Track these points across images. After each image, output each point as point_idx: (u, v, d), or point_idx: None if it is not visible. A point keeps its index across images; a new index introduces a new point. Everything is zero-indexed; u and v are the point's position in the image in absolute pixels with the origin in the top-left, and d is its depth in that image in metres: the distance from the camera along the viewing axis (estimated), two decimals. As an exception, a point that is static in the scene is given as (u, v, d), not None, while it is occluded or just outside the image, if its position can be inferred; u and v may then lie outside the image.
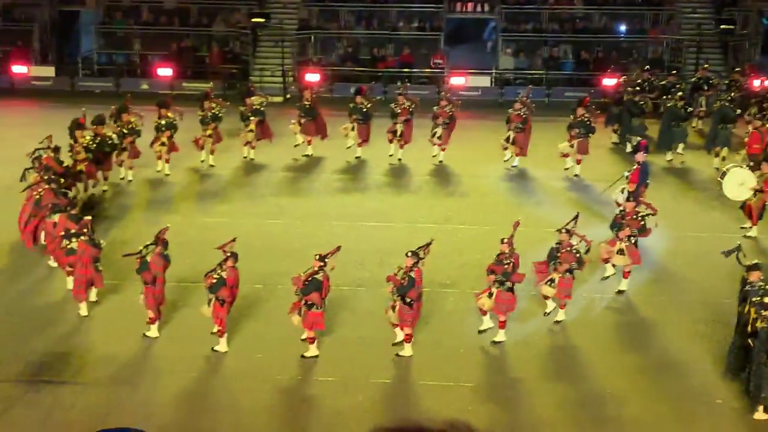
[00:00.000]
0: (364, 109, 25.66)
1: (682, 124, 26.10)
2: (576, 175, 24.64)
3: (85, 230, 16.95)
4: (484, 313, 16.53)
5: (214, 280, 15.60)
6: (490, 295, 16.16)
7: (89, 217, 17.56)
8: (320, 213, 22.21)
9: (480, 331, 16.57)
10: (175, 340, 16.37)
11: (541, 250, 17.65)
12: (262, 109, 25.61)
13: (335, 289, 16.38)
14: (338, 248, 16.03)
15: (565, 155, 24.68)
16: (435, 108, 25.58)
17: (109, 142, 22.95)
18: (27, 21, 36.96)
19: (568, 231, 16.81)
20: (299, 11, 36.96)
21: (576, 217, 17.31)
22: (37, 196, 19.03)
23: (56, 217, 18.18)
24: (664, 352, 16.29)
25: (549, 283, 16.84)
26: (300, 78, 33.39)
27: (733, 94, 27.16)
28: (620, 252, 17.87)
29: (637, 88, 27.79)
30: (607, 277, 18.44)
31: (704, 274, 19.16)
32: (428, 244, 16.11)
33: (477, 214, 22.15)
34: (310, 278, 15.42)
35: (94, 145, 22.30)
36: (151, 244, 16.26)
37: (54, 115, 27.95)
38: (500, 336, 16.37)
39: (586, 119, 24.24)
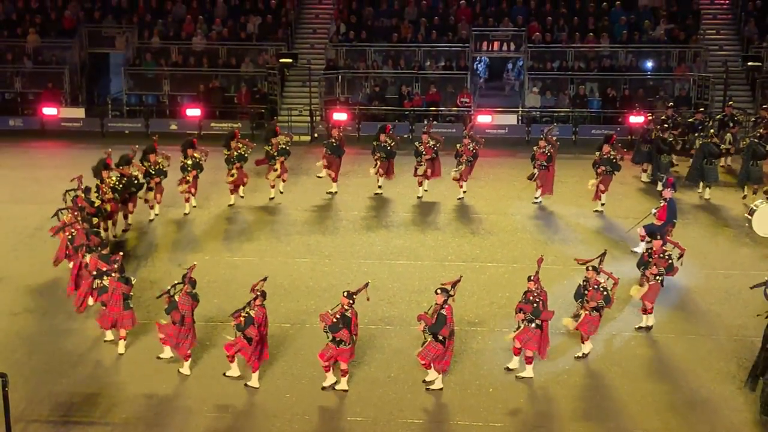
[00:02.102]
0: (389, 147, 25.83)
1: (715, 162, 26.01)
2: (596, 211, 24.63)
3: (116, 266, 17.06)
4: (517, 352, 16.45)
5: (243, 319, 15.66)
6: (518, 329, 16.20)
7: (121, 254, 17.66)
8: (347, 251, 22.25)
9: (507, 369, 16.52)
10: (203, 379, 16.39)
11: (568, 288, 17.61)
12: (287, 148, 25.77)
13: (363, 327, 16.36)
14: (366, 284, 16.06)
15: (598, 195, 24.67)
16: (458, 146, 25.69)
17: (135, 182, 23.15)
18: (57, 63, 37.48)
19: (595, 268, 16.74)
20: (327, 51, 37.27)
21: (603, 255, 17.22)
22: (70, 236, 19.24)
23: (88, 257, 18.33)
24: (695, 390, 16.12)
25: (574, 318, 16.79)
26: (327, 117, 33.61)
27: (762, 130, 27.04)
28: (640, 284, 17.85)
29: (665, 125, 27.74)
30: (641, 327, 18.25)
31: (734, 312, 19.00)
32: (457, 281, 16.09)
33: (505, 252, 22.12)
34: (339, 315, 15.46)
35: (121, 186, 22.50)
36: (179, 283, 16.35)
37: (84, 155, 28.20)
38: (528, 372, 16.31)
39: (611, 156, 24.20)
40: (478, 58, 39.60)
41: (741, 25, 36.89)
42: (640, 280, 18.17)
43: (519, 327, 16.21)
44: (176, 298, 16.21)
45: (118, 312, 17.02)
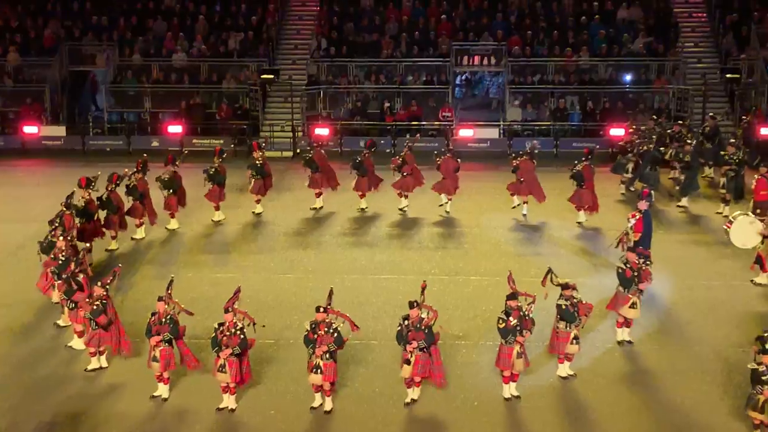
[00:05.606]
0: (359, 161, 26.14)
1: (658, 168, 26.91)
2: (578, 222, 24.88)
3: (109, 282, 17.10)
4: (507, 380, 16.14)
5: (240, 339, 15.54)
6: (519, 355, 15.92)
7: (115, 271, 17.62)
8: (331, 266, 22.23)
9: (507, 399, 16.18)
10: (186, 397, 16.29)
11: (550, 300, 17.50)
12: (257, 164, 25.78)
13: (347, 342, 16.30)
14: (330, 291, 16.05)
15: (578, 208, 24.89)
16: (438, 160, 25.83)
17: (111, 204, 22.85)
18: (38, 81, 37.40)
19: (567, 285, 16.57)
20: (308, 67, 37.36)
21: (549, 272, 17.01)
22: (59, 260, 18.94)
23: (81, 277, 18.14)
24: (679, 404, 16.07)
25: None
26: (309, 132, 33.67)
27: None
28: (633, 306, 17.76)
29: (653, 137, 28.10)
30: (623, 342, 18.24)
31: (717, 323, 19.06)
32: (423, 290, 16.03)
33: (488, 265, 22.14)
34: (336, 333, 15.38)
35: (84, 208, 22.06)
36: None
37: (65, 174, 28.19)
38: (512, 390, 16.23)
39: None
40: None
41: (719, 38, 37.23)
42: (622, 300, 17.93)
43: (517, 353, 15.83)
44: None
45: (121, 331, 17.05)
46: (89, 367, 17.13)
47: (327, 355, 15.36)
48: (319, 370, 15.35)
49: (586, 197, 24.63)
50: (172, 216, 24.65)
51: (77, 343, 17.90)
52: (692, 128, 31.07)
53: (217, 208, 25.32)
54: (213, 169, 25.00)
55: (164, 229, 24.56)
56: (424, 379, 15.94)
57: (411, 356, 15.47)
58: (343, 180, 26.82)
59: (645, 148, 27.37)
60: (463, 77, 39.53)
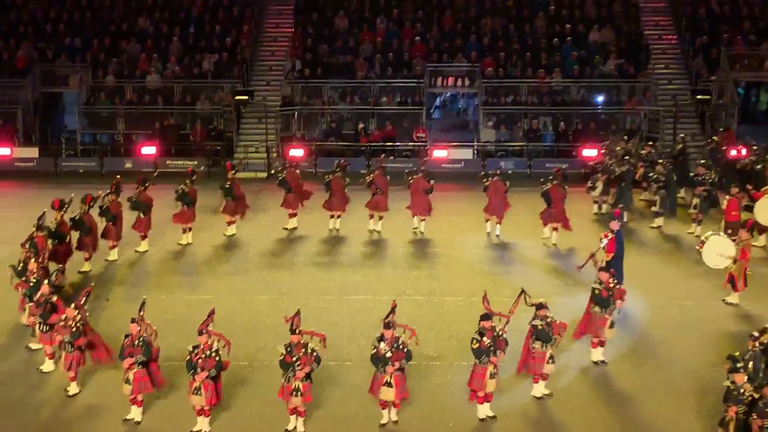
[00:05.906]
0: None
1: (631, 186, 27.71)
2: (554, 244, 25.00)
3: (83, 302, 17.05)
4: (482, 400, 16.09)
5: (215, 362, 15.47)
6: (492, 375, 15.88)
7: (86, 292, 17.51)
8: (306, 287, 22.18)
9: (481, 420, 16.13)
10: (160, 420, 16.18)
11: (524, 319, 17.56)
12: (227, 186, 25.75)
13: (322, 363, 16.28)
14: (298, 312, 16.01)
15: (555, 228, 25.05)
16: (410, 180, 25.91)
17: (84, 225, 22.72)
18: (10, 103, 37.17)
19: (542, 305, 16.67)
20: (282, 88, 37.38)
21: (522, 293, 17.03)
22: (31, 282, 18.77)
23: (54, 298, 18.01)
24: (653, 423, 16.12)
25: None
26: (284, 154, 33.67)
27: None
28: (611, 325, 17.82)
29: (625, 158, 28.34)
30: (598, 362, 18.27)
31: (689, 342, 19.16)
32: (393, 309, 16.05)
33: (462, 285, 22.17)
34: (314, 354, 15.35)
35: (56, 230, 21.93)
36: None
37: (38, 196, 28.01)
38: (487, 411, 16.20)
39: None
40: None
41: (689, 60, 37.61)
42: (599, 321, 18.00)
43: (491, 373, 15.90)
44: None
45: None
46: (70, 393, 16.92)
47: (305, 377, 15.33)
48: (299, 393, 15.30)
49: (555, 216, 24.84)
50: (143, 238, 24.52)
51: (48, 366, 17.76)
52: (659, 149, 31.28)
53: (184, 231, 25.19)
54: (181, 190, 24.94)
55: (136, 252, 24.42)
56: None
57: (391, 378, 15.45)
58: (316, 199, 26.84)
59: (623, 169, 27.57)
60: (442, 98, 39.77)
